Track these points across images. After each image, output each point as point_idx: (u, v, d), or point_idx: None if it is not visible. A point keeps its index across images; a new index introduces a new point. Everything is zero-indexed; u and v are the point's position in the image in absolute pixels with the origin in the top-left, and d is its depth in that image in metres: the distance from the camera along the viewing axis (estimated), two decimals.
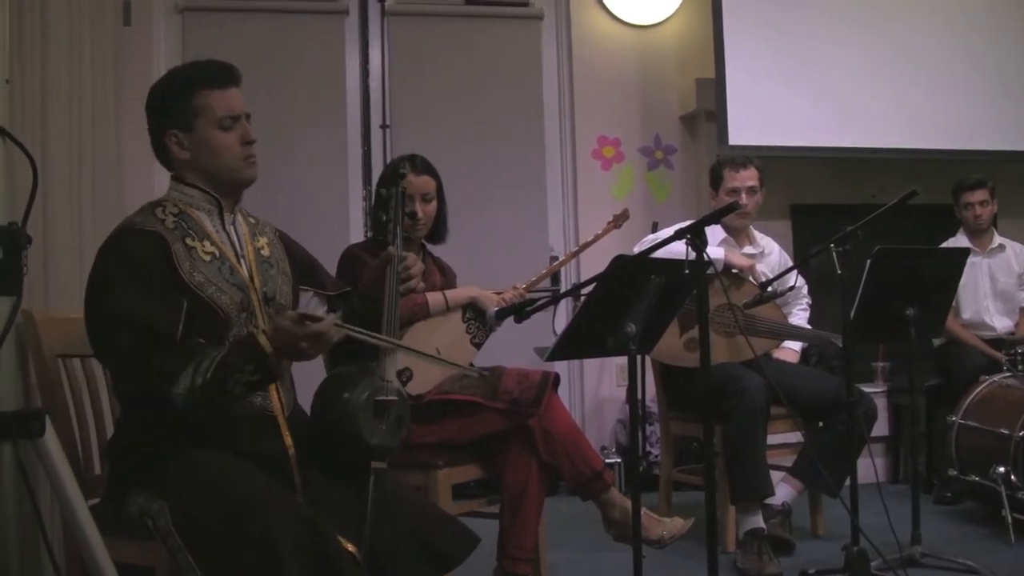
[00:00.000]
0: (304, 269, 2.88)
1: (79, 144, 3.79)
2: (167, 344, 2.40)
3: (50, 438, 2.23)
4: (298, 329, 2.33)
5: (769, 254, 4.76)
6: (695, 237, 2.87)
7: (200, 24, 5.74)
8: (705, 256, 2.88)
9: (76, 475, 2.31)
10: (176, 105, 2.59)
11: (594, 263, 4.98)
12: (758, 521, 4.10)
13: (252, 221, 2.79)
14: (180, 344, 2.42)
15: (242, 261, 2.64)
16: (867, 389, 4.99)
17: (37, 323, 2.66)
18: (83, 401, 2.80)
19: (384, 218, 2.92)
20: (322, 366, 3.44)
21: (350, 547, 2.41)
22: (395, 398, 2.64)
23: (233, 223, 2.69)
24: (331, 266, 3.44)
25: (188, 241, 2.54)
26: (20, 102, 3.06)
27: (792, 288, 4.39)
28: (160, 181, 2.71)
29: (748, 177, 4.58)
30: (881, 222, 3.72)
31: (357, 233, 5.72)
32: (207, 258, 2.55)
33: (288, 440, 2.57)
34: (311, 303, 2.89)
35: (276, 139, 5.59)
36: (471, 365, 3.65)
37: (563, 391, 3.58)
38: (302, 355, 2.38)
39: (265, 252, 2.73)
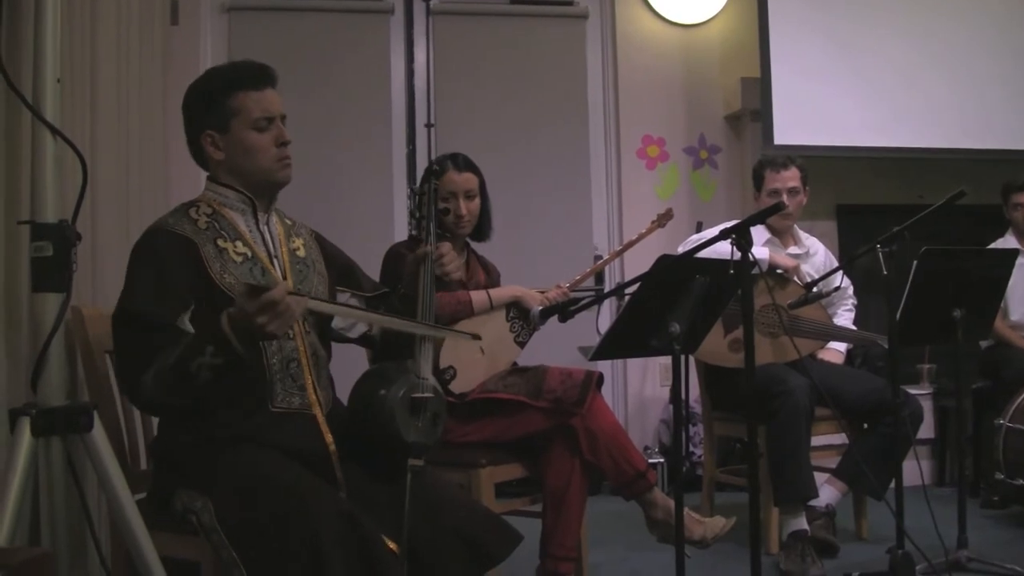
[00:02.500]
0: (341, 270, 2.89)
1: (127, 142, 3.82)
2: (160, 338, 2.40)
3: (98, 433, 2.26)
4: (248, 303, 2.23)
5: (814, 254, 4.73)
6: (740, 237, 2.86)
7: (246, 23, 5.78)
8: (750, 256, 2.87)
9: (123, 470, 2.34)
10: (212, 106, 2.61)
11: (638, 263, 4.97)
12: (802, 523, 4.08)
13: (288, 222, 2.81)
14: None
15: (275, 262, 2.66)
16: (913, 391, 4.94)
17: (85, 319, 2.69)
18: None
19: (417, 215, 2.93)
20: (364, 362, 3.46)
21: (392, 545, 2.42)
22: (431, 395, 2.65)
23: (267, 223, 2.71)
24: (375, 264, 3.45)
25: (220, 242, 2.56)
26: (70, 101, 3.09)
27: (837, 289, 4.36)
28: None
29: (789, 178, 4.55)
30: (928, 222, 3.68)
31: (401, 232, 5.73)
32: (238, 259, 2.57)
33: (329, 437, 2.59)
34: (348, 304, 2.90)
35: (321, 138, 5.64)
36: (513, 364, 3.66)
37: (606, 391, 3.58)
38: (263, 332, 2.26)
39: (300, 253, 2.75)
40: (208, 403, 2.44)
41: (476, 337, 3.02)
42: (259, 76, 2.64)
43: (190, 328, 2.44)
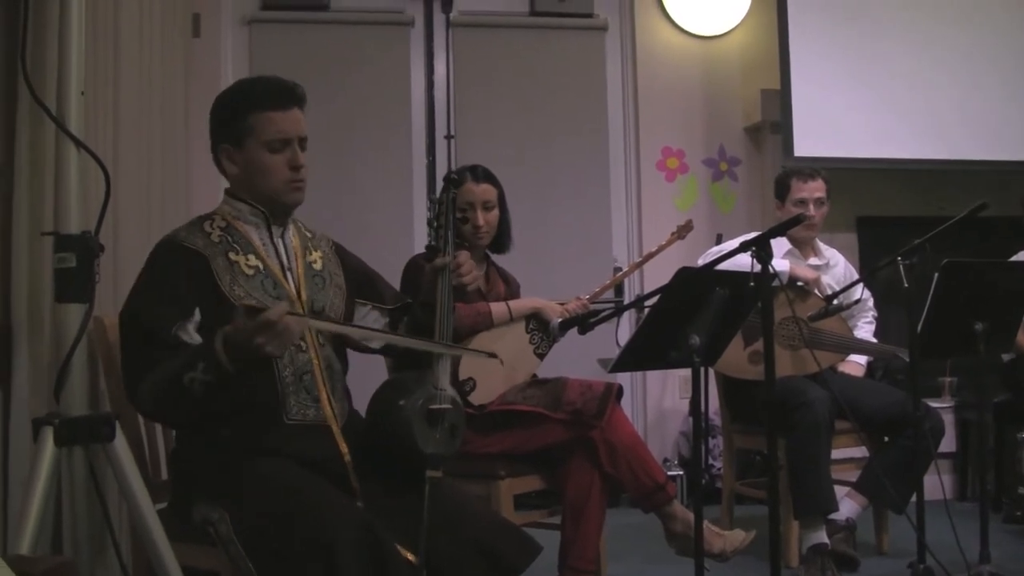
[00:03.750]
0: (361, 281, 2.89)
1: (148, 154, 3.85)
2: (160, 345, 2.41)
3: (119, 443, 2.28)
4: (246, 322, 2.23)
5: (834, 266, 4.72)
6: (760, 249, 2.85)
7: (267, 36, 5.80)
8: (770, 268, 2.86)
9: (143, 480, 2.36)
10: (231, 121, 2.61)
11: (658, 275, 4.95)
12: (822, 536, 4.06)
13: (308, 234, 2.81)
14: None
15: (288, 275, 2.66)
16: (934, 404, 4.91)
17: (107, 329, 2.71)
18: None
19: (436, 224, 2.94)
20: (384, 372, 3.46)
21: (409, 556, 2.42)
22: (449, 406, 2.65)
23: (283, 236, 2.71)
24: (395, 276, 3.46)
25: (231, 255, 2.57)
26: (93, 113, 3.11)
27: (858, 301, 4.34)
28: None
29: (816, 188, 4.55)
30: (949, 235, 3.67)
31: (421, 243, 5.71)
32: (249, 272, 2.58)
33: (344, 447, 2.59)
34: (368, 316, 2.89)
35: (341, 150, 5.66)
36: (532, 376, 3.66)
37: (626, 403, 3.56)
38: (261, 351, 2.25)
39: (317, 266, 2.75)
40: (210, 416, 2.45)
41: (492, 355, 3.02)
42: (283, 96, 2.62)
43: (194, 338, 2.45)
